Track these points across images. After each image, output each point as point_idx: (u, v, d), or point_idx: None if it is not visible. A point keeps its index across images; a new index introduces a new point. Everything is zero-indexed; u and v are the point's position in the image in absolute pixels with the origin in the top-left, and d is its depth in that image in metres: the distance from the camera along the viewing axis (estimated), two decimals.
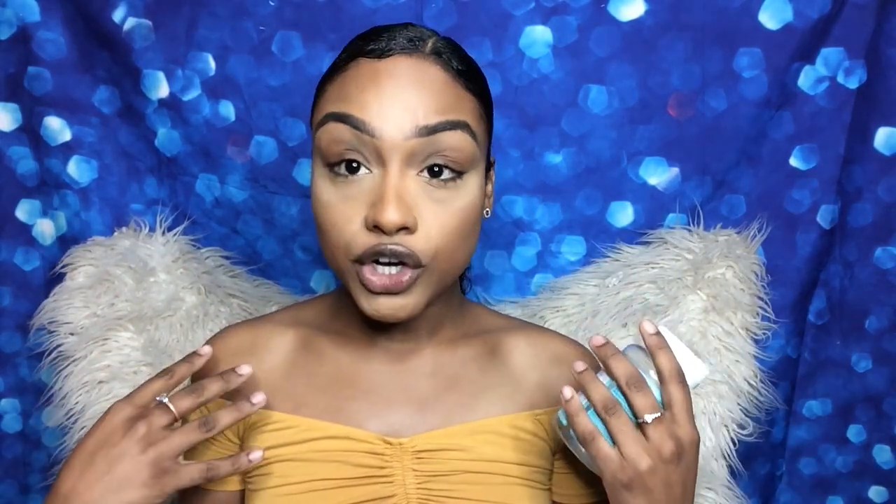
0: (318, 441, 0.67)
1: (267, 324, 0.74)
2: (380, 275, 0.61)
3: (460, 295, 0.75)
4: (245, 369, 0.66)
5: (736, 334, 0.90)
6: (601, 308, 0.95)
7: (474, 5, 0.95)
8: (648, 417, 0.58)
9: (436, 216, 0.61)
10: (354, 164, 0.61)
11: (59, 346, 0.92)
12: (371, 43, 0.63)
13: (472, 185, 0.63)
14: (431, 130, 0.60)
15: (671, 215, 1.00)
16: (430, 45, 0.63)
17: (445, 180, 0.61)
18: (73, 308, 0.92)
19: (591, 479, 0.70)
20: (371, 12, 0.95)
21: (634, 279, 0.95)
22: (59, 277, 0.95)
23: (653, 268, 0.95)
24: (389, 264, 0.61)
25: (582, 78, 0.96)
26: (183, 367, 0.66)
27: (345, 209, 0.61)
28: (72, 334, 0.92)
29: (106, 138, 1.00)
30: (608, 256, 0.99)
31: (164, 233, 0.98)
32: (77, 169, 1.00)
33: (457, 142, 0.61)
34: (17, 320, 1.04)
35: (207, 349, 0.67)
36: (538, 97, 0.97)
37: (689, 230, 0.97)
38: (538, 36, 0.95)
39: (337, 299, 0.74)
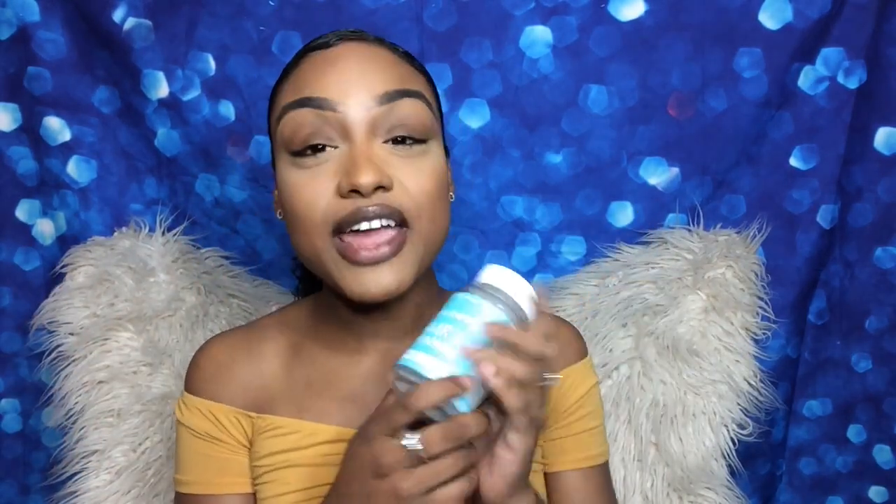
0: (321, 446, 0.66)
1: (256, 330, 0.74)
2: (364, 242, 0.60)
3: (438, 285, 0.75)
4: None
5: (736, 334, 0.90)
6: (601, 308, 0.95)
7: (474, 5, 0.95)
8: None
9: (409, 175, 0.62)
10: (319, 147, 0.62)
11: (58, 346, 0.92)
12: (317, 42, 0.66)
13: (436, 152, 0.65)
14: (390, 97, 0.62)
15: (671, 215, 1.00)
16: (370, 36, 0.67)
17: (411, 145, 0.63)
18: (72, 308, 0.92)
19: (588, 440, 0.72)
20: (371, 12, 0.95)
21: (634, 279, 0.95)
22: (59, 277, 0.95)
23: (653, 268, 0.95)
24: (371, 230, 0.60)
25: (582, 78, 0.96)
26: (430, 397, 0.53)
27: (315, 185, 0.61)
28: (71, 334, 0.92)
29: (106, 138, 1.00)
30: (608, 256, 0.99)
31: (163, 233, 0.98)
32: (77, 169, 1.00)
33: (415, 110, 0.63)
34: (17, 320, 1.04)
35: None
36: (538, 97, 0.97)
37: (689, 230, 0.97)
38: (538, 36, 0.95)
39: (319, 304, 0.72)
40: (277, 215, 0.69)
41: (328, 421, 0.67)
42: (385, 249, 0.60)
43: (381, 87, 0.62)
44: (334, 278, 0.63)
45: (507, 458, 0.54)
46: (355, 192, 0.60)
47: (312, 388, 0.69)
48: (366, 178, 0.59)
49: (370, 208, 0.60)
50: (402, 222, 0.61)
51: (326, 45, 0.64)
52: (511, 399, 0.52)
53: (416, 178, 0.62)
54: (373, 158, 0.61)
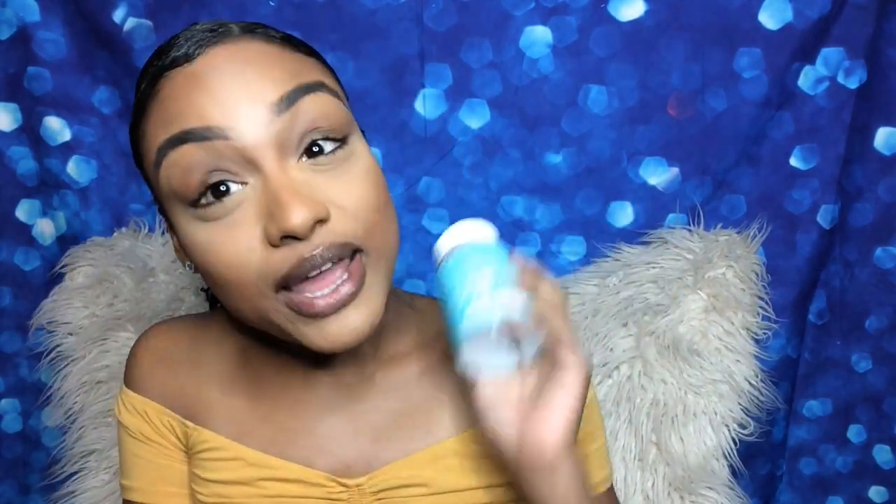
0: (266, 483, 0.59)
1: (204, 327, 0.65)
2: (320, 287, 0.50)
3: (396, 295, 0.63)
4: None
5: (736, 334, 0.90)
6: (601, 307, 0.95)
7: (474, 5, 0.95)
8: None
9: (343, 190, 0.51)
10: (222, 188, 0.49)
11: (57, 346, 0.92)
12: (168, 55, 0.51)
13: (361, 148, 0.54)
14: (290, 100, 0.49)
15: (671, 215, 1.00)
16: (235, 28, 0.53)
17: (332, 151, 0.51)
18: (72, 308, 0.92)
19: None
20: (371, 12, 0.95)
21: (635, 279, 0.95)
22: (59, 277, 0.95)
23: (653, 267, 0.95)
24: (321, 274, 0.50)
25: (582, 78, 0.96)
26: None
27: (234, 240, 0.50)
28: (71, 334, 0.92)
29: (106, 138, 1.00)
30: (608, 256, 0.99)
31: (163, 233, 0.98)
32: (77, 169, 1.00)
33: (322, 106, 0.51)
34: (17, 320, 1.04)
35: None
36: (538, 97, 0.97)
37: (690, 230, 0.97)
38: (538, 36, 0.95)
39: None
40: (187, 267, 0.58)
41: (273, 452, 0.59)
42: (346, 289, 0.50)
43: (275, 92, 0.49)
44: (292, 335, 0.52)
45: (561, 400, 0.49)
46: (289, 236, 0.48)
47: (256, 409, 0.61)
48: (298, 218, 0.47)
49: (315, 254, 0.49)
50: (354, 250, 0.51)
51: (187, 59, 0.50)
52: (559, 325, 0.50)
53: (351, 192, 0.51)
54: (297, 188, 0.49)
